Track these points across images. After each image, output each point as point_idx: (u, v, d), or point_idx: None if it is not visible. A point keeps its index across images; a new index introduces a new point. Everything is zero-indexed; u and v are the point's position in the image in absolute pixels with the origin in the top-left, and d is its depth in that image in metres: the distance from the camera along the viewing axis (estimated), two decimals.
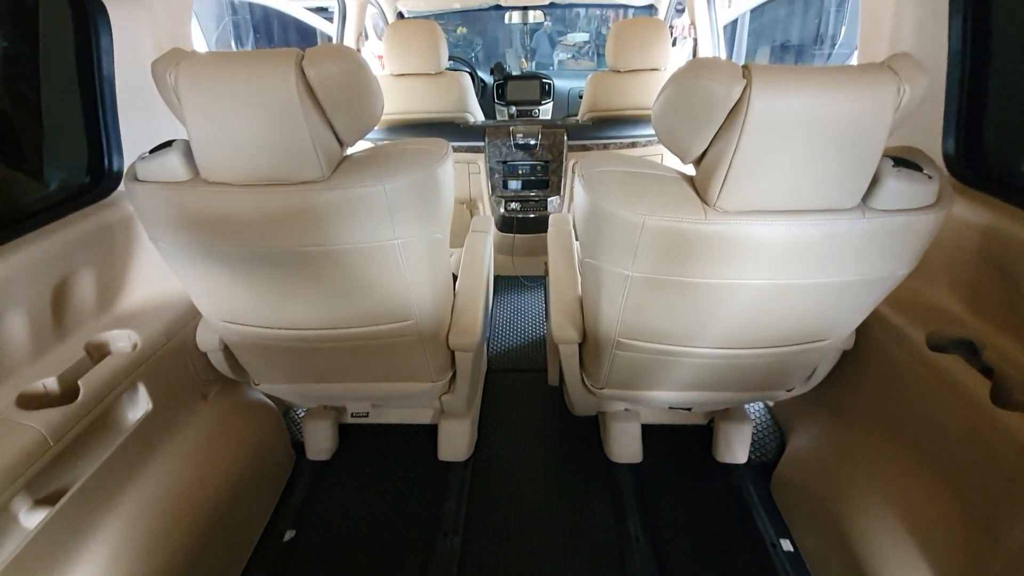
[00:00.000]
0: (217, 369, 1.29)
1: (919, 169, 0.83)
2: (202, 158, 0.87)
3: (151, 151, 0.91)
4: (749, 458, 1.53)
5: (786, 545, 1.31)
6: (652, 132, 2.22)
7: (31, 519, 0.89)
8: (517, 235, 2.39)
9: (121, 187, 1.26)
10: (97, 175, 1.23)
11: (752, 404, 1.65)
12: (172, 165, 0.89)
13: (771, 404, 1.65)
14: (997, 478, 0.89)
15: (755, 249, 0.86)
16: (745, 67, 0.75)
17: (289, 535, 1.36)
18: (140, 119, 1.27)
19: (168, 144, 0.91)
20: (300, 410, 1.66)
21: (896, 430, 1.13)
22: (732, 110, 0.77)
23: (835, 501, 1.17)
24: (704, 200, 0.86)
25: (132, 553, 1.00)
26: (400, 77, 2.36)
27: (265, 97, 0.80)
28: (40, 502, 0.92)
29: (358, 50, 2.44)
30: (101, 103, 1.21)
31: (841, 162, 0.78)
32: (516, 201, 2.32)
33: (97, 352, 1.11)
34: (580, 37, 4.82)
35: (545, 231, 1.63)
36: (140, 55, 1.23)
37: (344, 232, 0.92)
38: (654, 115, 0.89)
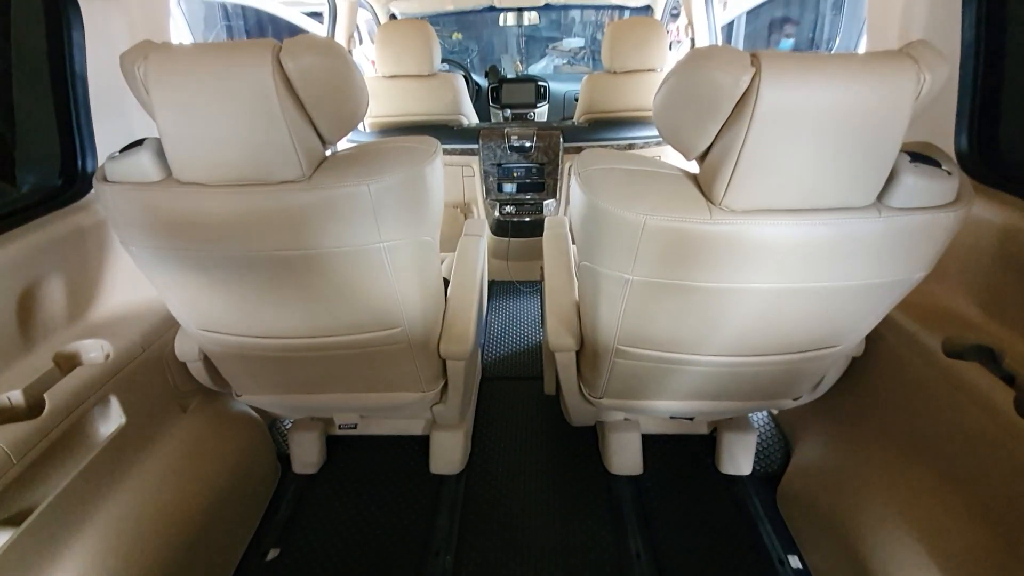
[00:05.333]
0: (197, 380, 1.23)
1: (937, 165, 0.78)
2: (174, 156, 0.82)
3: (121, 150, 0.86)
4: (754, 469, 1.47)
5: (794, 562, 1.25)
6: (650, 134, 2.19)
7: None
8: (512, 239, 2.34)
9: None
10: (70, 177, 1.17)
11: (756, 413, 1.60)
12: (143, 164, 0.84)
13: (775, 412, 1.59)
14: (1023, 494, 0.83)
15: (763, 251, 0.81)
16: (753, 55, 0.70)
17: (273, 554, 1.29)
18: (115, 119, 1.22)
19: (139, 143, 0.86)
20: (287, 421, 1.60)
21: (910, 440, 1.08)
22: (739, 101, 0.72)
23: (846, 515, 1.11)
24: (709, 199, 0.81)
25: (103, 575, 0.94)
26: (392, 79, 2.31)
27: (240, 91, 0.75)
28: (5, 523, 0.86)
29: (349, 51, 2.39)
30: (74, 102, 1.15)
31: (857, 156, 0.73)
32: (511, 204, 2.27)
33: (67, 363, 1.04)
34: (575, 43, 4.79)
35: (541, 235, 1.57)
36: (114, 51, 1.17)
37: (326, 235, 0.86)
38: (655, 109, 0.84)
